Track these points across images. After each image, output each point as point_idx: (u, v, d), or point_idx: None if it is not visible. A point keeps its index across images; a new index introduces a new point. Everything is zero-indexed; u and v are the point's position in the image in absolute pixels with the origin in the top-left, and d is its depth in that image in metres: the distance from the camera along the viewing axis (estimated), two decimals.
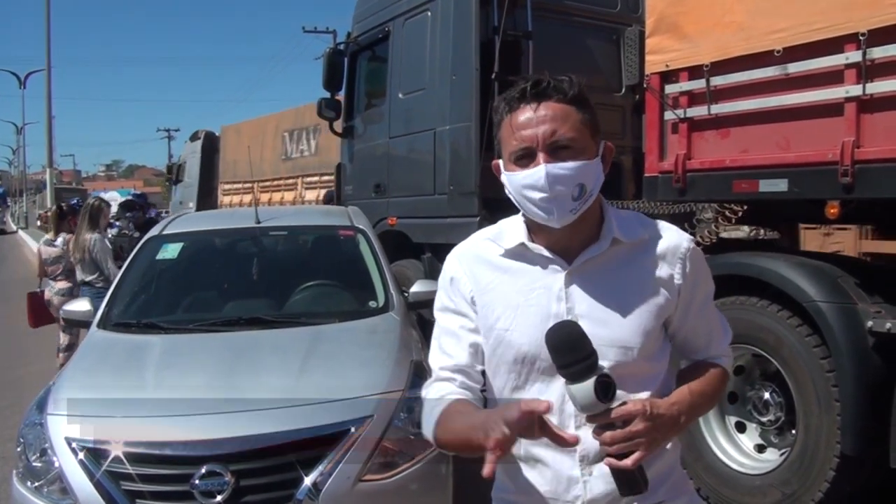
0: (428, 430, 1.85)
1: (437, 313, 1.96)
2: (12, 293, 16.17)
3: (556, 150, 1.68)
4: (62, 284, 7.91)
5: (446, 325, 1.92)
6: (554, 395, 1.72)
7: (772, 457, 4.48)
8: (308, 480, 3.29)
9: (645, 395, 1.73)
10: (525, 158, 1.70)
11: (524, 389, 1.79)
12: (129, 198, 16.78)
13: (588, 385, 1.55)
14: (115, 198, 20.33)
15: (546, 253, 1.79)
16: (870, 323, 3.92)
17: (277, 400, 3.58)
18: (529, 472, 1.80)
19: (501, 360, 1.81)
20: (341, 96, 8.63)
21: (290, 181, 16.20)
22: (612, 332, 1.73)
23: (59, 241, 8.17)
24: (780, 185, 4.23)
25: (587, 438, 1.66)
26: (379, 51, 8.04)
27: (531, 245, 1.80)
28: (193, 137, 21.44)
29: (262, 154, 16.87)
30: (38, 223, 59.12)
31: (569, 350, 1.58)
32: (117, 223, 11.52)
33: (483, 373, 1.89)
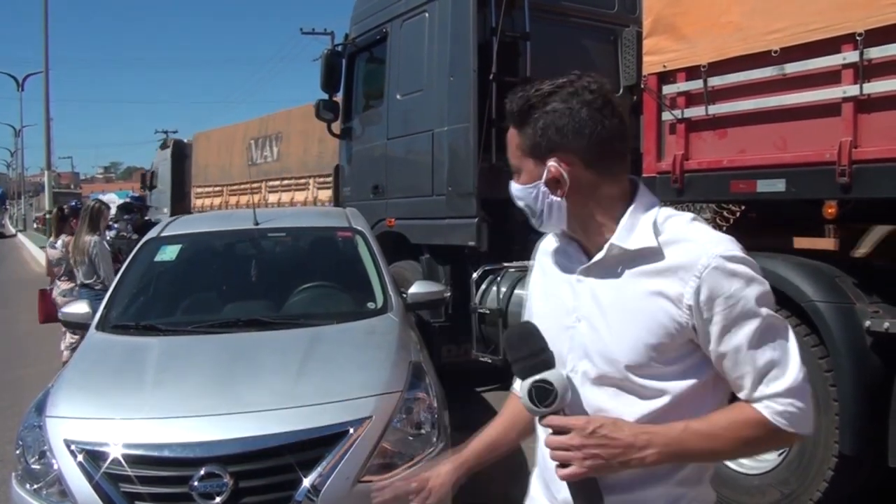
0: None
1: None
2: (10, 295, 16.20)
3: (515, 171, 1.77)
4: (65, 285, 7.99)
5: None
6: None
7: (770, 457, 4.48)
8: (307, 482, 3.29)
9: (644, 412, 1.64)
10: None
11: None
12: (128, 200, 16.91)
13: (525, 385, 1.60)
14: (113, 200, 20.79)
15: (577, 249, 1.79)
16: (868, 322, 3.92)
17: (276, 401, 3.58)
18: (539, 459, 1.83)
19: None
20: (339, 97, 8.64)
21: (255, 185, 17.47)
22: (601, 340, 1.69)
23: (59, 243, 8.23)
24: (778, 186, 4.23)
25: None
26: (377, 52, 8.05)
27: (568, 240, 1.81)
28: (163, 146, 23.17)
29: (231, 160, 18.42)
30: (35, 226, 58.94)
31: (512, 347, 1.66)
32: (115, 225, 11.54)
33: None
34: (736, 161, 4.46)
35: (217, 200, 18.85)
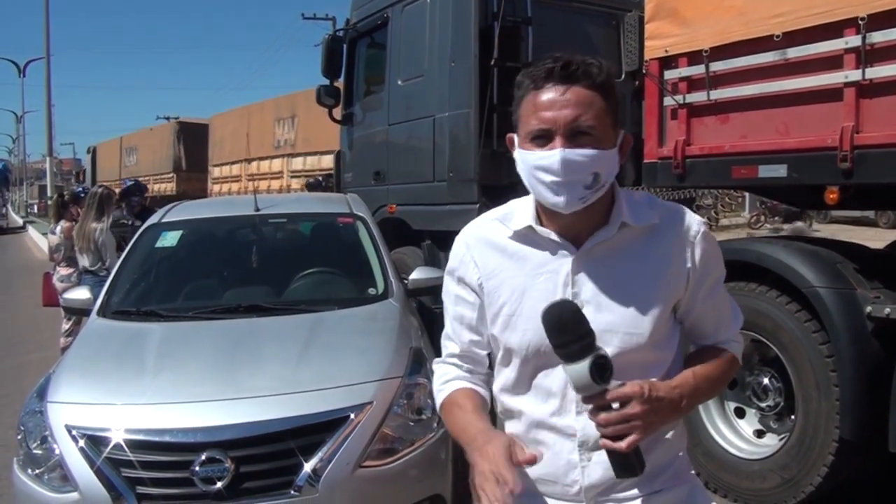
0: (437, 406, 1.96)
1: (445, 296, 1.96)
2: (12, 281, 16.23)
3: (574, 136, 1.64)
4: (64, 271, 7.98)
5: (454, 310, 1.93)
6: (558, 379, 1.74)
7: (771, 442, 4.49)
8: (308, 467, 3.30)
9: (654, 377, 1.72)
10: (542, 139, 1.66)
11: (530, 374, 1.79)
12: (128, 185, 17.00)
13: (583, 365, 1.55)
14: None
15: (554, 237, 1.76)
16: (869, 308, 3.92)
17: (277, 387, 3.59)
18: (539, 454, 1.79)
19: (508, 344, 1.81)
20: (340, 83, 8.61)
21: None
22: (617, 319, 1.72)
23: (58, 228, 8.22)
24: (780, 171, 4.22)
25: (588, 425, 1.65)
26: (378, 37, 8.01)
27: (539, 229, 1.77)
28: (89, 150, 32.60)
29: (114, 162, 27.57)
30: (28, 212, 58.28)
31: (563, 329, 1.58)
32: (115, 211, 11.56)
33: (490, 355, 1.91)
34: (738, 146, 4.44)
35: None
